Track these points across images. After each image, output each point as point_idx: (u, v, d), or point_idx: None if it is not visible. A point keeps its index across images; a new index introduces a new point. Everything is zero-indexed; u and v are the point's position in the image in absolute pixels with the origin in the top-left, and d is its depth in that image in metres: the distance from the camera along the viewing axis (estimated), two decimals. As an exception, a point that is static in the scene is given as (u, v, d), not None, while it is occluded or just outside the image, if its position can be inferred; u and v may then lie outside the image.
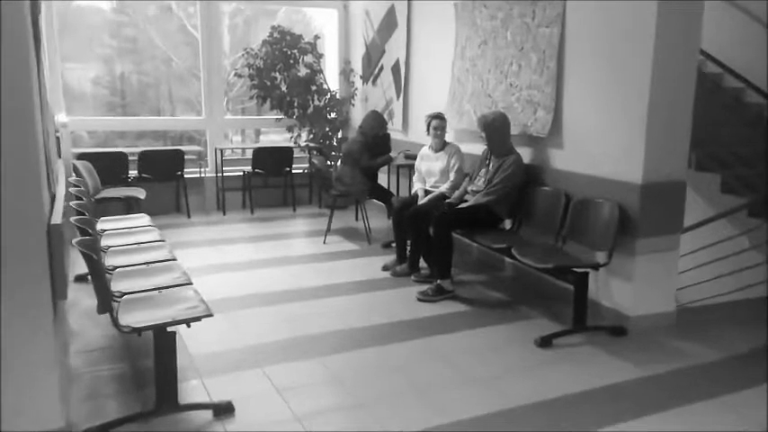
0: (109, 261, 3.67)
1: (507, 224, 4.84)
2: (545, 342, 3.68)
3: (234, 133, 14.02)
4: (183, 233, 6.47)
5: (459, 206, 4.73)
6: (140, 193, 5.98)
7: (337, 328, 3.95)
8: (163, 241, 4.15)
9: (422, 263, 5.09)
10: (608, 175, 4.02)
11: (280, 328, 3.93)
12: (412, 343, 3.73)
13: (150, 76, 15.63)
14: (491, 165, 4.71)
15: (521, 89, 4.84)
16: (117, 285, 3.22)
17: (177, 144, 11.71)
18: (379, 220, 6.96)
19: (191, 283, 3.26)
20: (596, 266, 3.82)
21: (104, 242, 4.12)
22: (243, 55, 7.70)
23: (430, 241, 4.97)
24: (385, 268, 5.23)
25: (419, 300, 4.50)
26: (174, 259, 3.73)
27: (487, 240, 4.39)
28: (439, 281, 4.57)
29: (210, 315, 2.81)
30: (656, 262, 3.90)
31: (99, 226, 4.58)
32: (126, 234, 4.36)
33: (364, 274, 5.11)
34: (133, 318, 2.78)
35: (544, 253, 4.01)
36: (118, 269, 3.49)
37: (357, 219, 7.13)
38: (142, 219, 4.84)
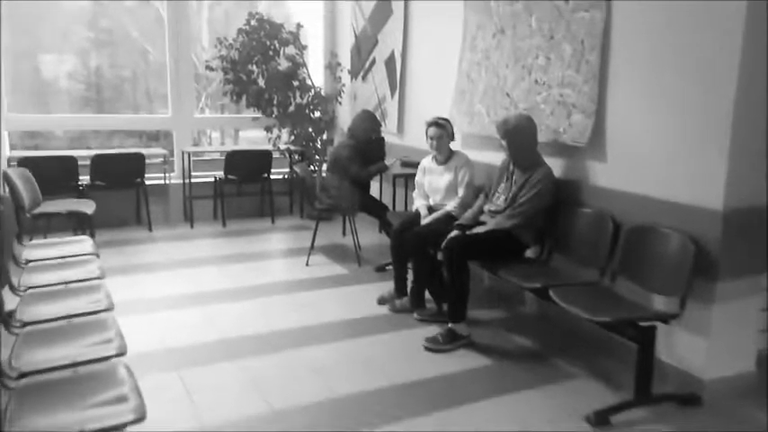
0: (21, 312, 2.73)
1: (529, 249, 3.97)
2: (600, 419, 2.80)
3: (214, 130, 13.02)
4: (141, 252, 5.50)
5: (475, 230, 3.84)
6: (88, 207, 4.99)
7: (321, 396, 3.03)
8: (101, 279, 3.22)
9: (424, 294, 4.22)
10: (672, 197, 3.15)
11: (248, 398, 3.00)
12: (422, 422, 2.81)
13: (127, 69, 14.64)
14: (515, 179, 3.84)
15: (549, 87, 3.97)
16: (20, 357, 2.29)
17: (154, 142, 10.65)
18: (369, 234, 6.06)
19: (123, 354, 2.34)
20: (666, 318, 2.95)
21: (25, 280, 3.18)
22: (216, 45, 6.74)
23: (436, 270, 4.10)
24: (382, 301, 4.33)
25: (426, 349, 3.61)
26: (110, 309, 2.80)
27: (515, 276, 3.51)
28: (451, 324, 3.69)
29: (142, 419, 1.89)
30: (736, 310, 3.04)
31: (25, 254, 3.62)
32: (57, 267, 3.41)
33: (355, 310, 4.21)
34: (25, 424, 1.86)
35: (594, 298, 3.13)
36: (28, 328, 2.56)
37: (345, 234, 6.23)
38: (83, 243, 3.89)
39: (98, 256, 4.81)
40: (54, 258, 3.50)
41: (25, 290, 3.04)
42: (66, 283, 3.06)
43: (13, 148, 6.79)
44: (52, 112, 9.50)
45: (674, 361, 3.20)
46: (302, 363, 3.39)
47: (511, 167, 3.91)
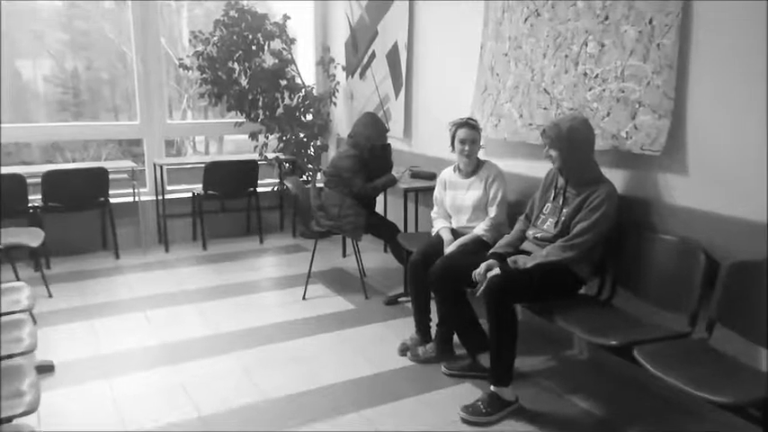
0: None
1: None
2: None
3: (193, 136, 12.18)
4: (103, 288, 4.61)
5: (520, 263, 3.02)
6: (33, 238, 4.08)
7: None
8: (29, 352, 2.37)
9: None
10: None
11: None
12: None
13: (105, 71, 13.79)
14: (568, 199, 3.03)
15: (604, 81, 3.17)
16: None
17: (135, 147, 9.70)
18: (373, 255, 5.26)
19: None
20: (803, 392, 2.16)
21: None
22: (190, 41, 5.89)
23: (466, 311, 3.29)
24: (404, 350, 3.52)
25: (464, 421, 2.80)
26: (32, 410, 1.95)
27: (580, 326, 2.68)
28: (494, 387, 2.88)
29: None
30: None
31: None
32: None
33: (365, 364, 3.38)
34: None
35: (696, 362, 2.33)
36: None
37: (345, 255, 5.41)
38: (17, 293, 3.02)
39: (50, 295, 4.02)
40: (-28, 321, 2.65)
41: None
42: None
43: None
44: (28, 118, 8.66)
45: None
46: (305, 451, 2.57)
47: (560, 183, 3.11)
